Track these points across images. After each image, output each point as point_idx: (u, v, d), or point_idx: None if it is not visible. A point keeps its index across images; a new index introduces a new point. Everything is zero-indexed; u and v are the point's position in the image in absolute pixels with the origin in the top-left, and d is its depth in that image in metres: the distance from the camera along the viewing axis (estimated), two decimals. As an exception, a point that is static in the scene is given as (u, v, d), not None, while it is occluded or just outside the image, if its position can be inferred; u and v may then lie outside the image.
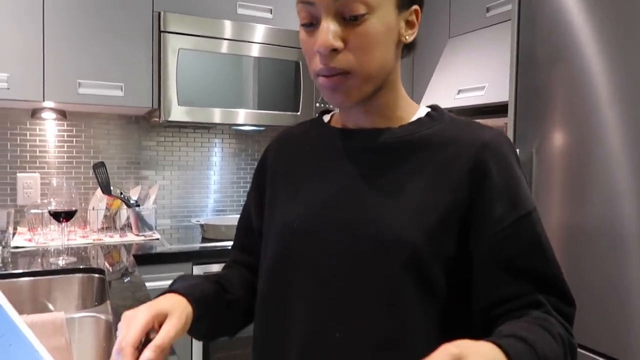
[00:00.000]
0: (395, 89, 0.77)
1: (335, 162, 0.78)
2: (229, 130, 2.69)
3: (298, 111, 2.37)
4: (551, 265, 0.70)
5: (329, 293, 0.72)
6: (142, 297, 1.46)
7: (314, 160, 0.82)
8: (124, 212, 2.31)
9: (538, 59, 1.55)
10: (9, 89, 1.95)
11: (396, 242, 0.69)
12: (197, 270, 1.97)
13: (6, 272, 1.62)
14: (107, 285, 1.58)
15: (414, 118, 0.78)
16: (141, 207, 2.26)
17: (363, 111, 0.77)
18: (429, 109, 0.80)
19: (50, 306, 1.59)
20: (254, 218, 0.92)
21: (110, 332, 1.26)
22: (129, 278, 1.67)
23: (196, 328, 0.74)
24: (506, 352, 0.55)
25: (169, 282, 1.94)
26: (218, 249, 2.07)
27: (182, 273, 1.95)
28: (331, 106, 0.89)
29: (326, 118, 0.88)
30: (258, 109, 2.30)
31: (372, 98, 0.74)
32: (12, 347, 0.76)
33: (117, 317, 1.28)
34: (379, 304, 0.70)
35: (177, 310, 0.69)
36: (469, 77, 2.10)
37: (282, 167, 0.87)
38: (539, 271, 0.69)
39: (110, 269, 1.73)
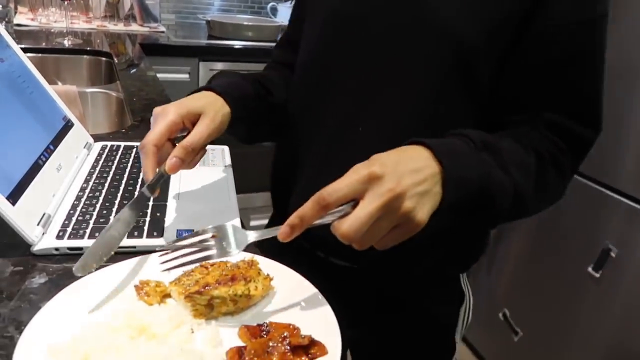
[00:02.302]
0: None
1: None
2: None
3: None
4: (587, 84, 0.62)
5: (366, 83, 0.68)
6: (150, 81, 1.49)
7: None
8: (127, 1, 2.21)
9: None
10: None
11: (448, 36, 0.62)
12: (204, 66, 1.97)
13: (13, 46, 1.61)
14: (115, 67, 1.59)
15: None
16: (145, -5, 2.16)
17: None
18: None
19: (60, 84, 1.62)
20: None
21: (122, 108, 1.31)
22: (136, 64, 1.67)
23: (235, 129, 0.70)
24: (433, 151, 0.51)
25: (175, 75, 1.97)
26: (225, 46, 2.03)
27: (188, 67, 1.95)
28: None
29: None
30: None
31: None
32: (33, 95, 0.79)
33: (128, 95, 1.32)
34: (416, 105, 0.65)
35: (211, 110, 0.64)
36: None
37: None
38: (569, 87, 0.62)
39: (117, 55, 1.72)
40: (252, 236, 0.53)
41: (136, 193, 0.75)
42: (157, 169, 0.60)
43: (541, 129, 0.62)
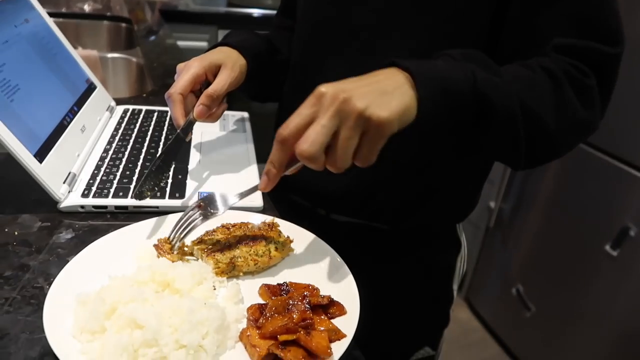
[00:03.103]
0: None
1: None
2: None
3: None
4: (592, 5, 0.57)
5: (364, 39, 0.67)
6: (170, 47, 1.48)
7: None
8: (146, -34, 2.18)
9: None
10: None
11: None
12: (222, 34, 1.95)
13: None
14: (135, 34, 1.59)
15: None
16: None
17: None
18: None
19: (80, 48, 1.63)
20: None
21: (142, 74, 1.31)
22: (155, 31, 1.66)
23: (247, 84, 0.72)
24: (396, 63, 0.49)
25: (194, 42, 1.96)
26: (244, 14, 2.01)
27: (207, 35, 1.94)
28: None
29: None
30: None
31: None
32: (57, 56, 0.80)
33: (148, 61, 1.32)
34: (416, 55, 0.64)
35: (229, 61, 0.68)
36: None
37: None
38: (574, 13, 0.57)
39: (136, 21, 1.72)
40: (235, 198, 0.56)
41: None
42: (187, 117, 0.65)
43: (551, 55, 0.58)
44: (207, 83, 0.67)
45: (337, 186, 0.71)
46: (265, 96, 0.86)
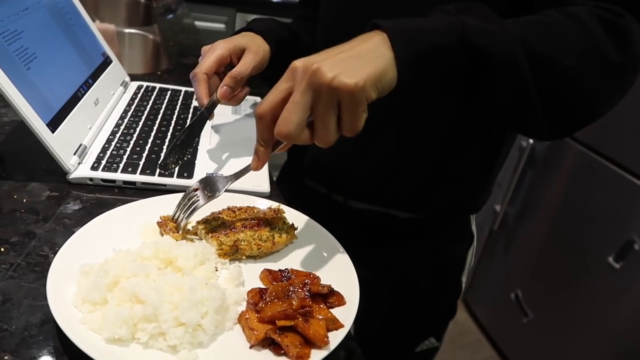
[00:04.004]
0: None
1: None
2: None
3: None
4: None
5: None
6: (187, 27, 1.48)
7: None
8: (169, -56, 2.17)
9: None
10: None
11: None
12: (240, 17, 1.95)
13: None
14: (153, 10, 1.58)
15: None
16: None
17: None
18: None
19: (98, 22, 1.63)
20: None
21: (157, 51, 1.31)
22: (174, 9, 1.66)
23: (268, 72, 0.73)
24: (387, 32, 0.46)
25: (211, 24, 1.95)
26: (263, -1, 2.00)
27: (225, 17, 1.94)
28: None
29: None
30: None
31: None
32: (75, 28, 0.80)
33: (165, 39, 1.32)
34: None
35: (254, 45, 0.69)
36: None
37: None
38: None
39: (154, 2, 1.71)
40: (232, 179, 0.56)
41: (168, 135, 0.76)
42: (210, 97, 0.67)
43: (576, 1, 0.53)
44: (231, 66, 0.68)
45: (359, 169, 0.72)
46: None
